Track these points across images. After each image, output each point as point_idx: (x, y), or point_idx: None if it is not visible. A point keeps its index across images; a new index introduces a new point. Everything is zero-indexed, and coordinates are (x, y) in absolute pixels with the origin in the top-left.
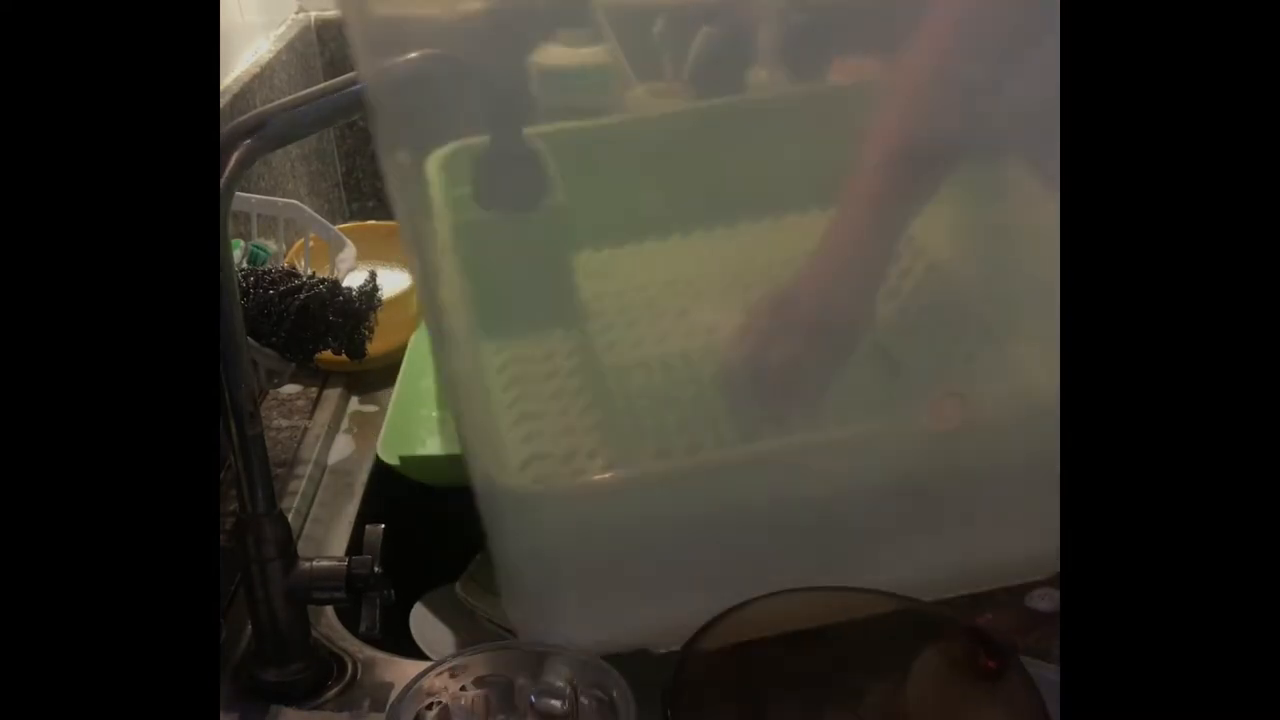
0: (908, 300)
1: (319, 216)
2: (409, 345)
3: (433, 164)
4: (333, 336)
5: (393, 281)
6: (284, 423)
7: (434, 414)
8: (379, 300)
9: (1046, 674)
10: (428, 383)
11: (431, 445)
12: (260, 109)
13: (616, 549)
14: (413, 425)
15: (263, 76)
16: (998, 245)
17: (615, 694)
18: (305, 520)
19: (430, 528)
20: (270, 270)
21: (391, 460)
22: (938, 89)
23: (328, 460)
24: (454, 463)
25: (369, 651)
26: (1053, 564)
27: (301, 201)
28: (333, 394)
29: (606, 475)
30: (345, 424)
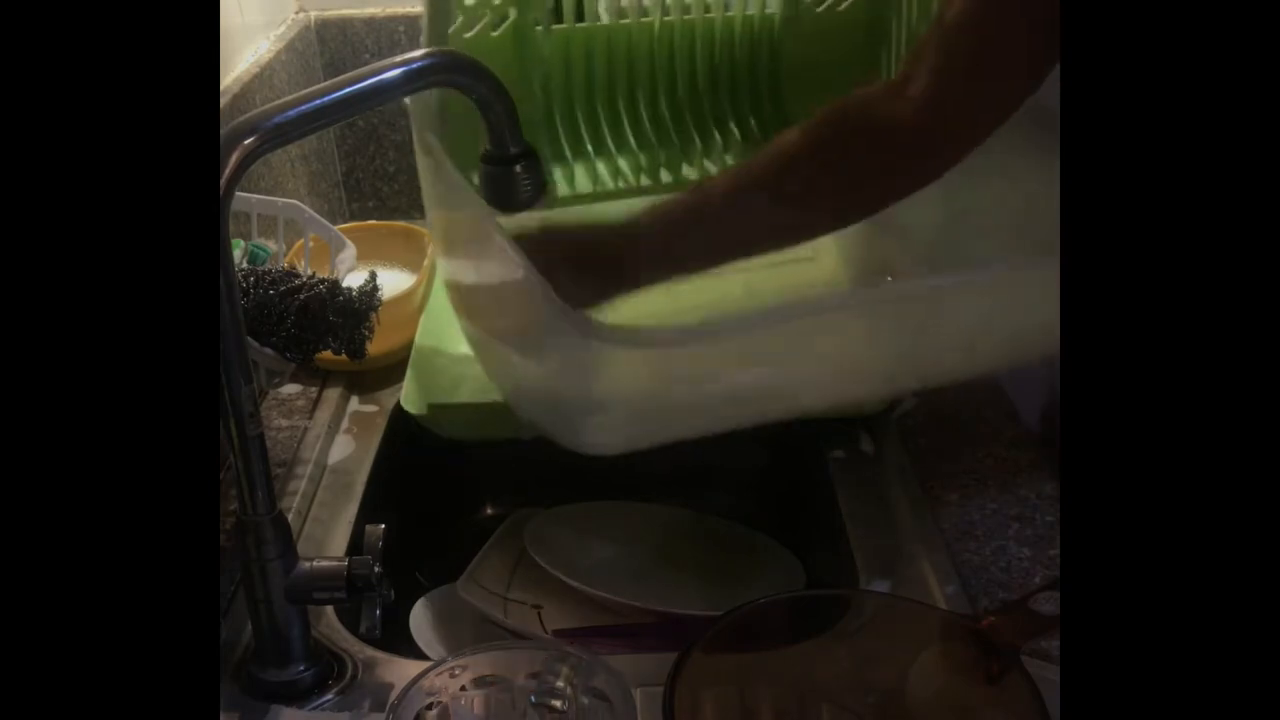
0: None
1: (319, 216)
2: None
3: None
4: (333, 336)
5: (393, 281)
6: (284, 423)
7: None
8: (379, 300)
9: (1049, 675)
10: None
11: (463, 393)
12: (260, 109)
13: None
14: (437, 372)
15: (263, 76)
16: None
17: (615, 694)
18: (305, 520)
19: (431, 527)
20: (270, 270)
21: (419, 410)
22: None
23: (328, 460)
24: (488, 412)
25: (369, 651)
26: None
27: (301, 201)
28: (333, 394)
29: None
30: (345, 424)
